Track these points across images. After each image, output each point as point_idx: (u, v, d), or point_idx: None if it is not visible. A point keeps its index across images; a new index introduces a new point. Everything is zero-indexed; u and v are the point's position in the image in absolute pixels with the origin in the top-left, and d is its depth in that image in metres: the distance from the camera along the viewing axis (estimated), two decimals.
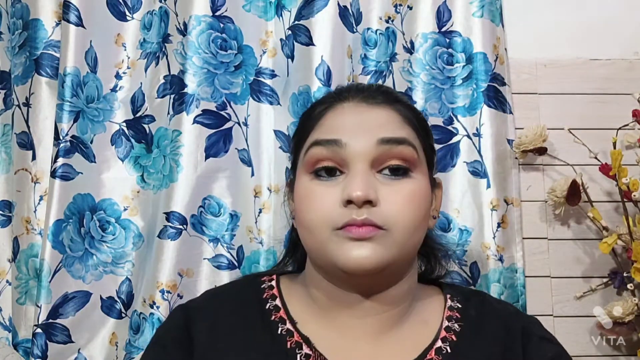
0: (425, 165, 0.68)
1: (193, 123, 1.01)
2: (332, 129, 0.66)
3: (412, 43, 1.10)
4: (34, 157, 1.04)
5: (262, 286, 0.74)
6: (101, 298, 1.02)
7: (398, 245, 0.64)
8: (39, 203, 1.03)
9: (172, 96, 1.03)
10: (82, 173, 1.02)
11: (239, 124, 1.05)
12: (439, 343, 0.67)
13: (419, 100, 1.07)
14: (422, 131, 0.70)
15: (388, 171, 0.65)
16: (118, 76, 1.08)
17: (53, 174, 0.99)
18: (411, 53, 1.09)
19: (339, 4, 1.04)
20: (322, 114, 0.69)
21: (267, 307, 0.70)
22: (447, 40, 1.09)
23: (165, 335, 0.71)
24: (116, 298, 1.03)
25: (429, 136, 0.73)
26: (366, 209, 0.61)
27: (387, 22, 1.09)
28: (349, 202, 0.61)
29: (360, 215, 0.61)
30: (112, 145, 1.06)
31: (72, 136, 1.02)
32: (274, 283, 0.74)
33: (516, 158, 1.08)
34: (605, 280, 1.08)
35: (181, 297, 0.98)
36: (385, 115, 0.67)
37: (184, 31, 1.04)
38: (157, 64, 1.07)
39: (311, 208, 0.64)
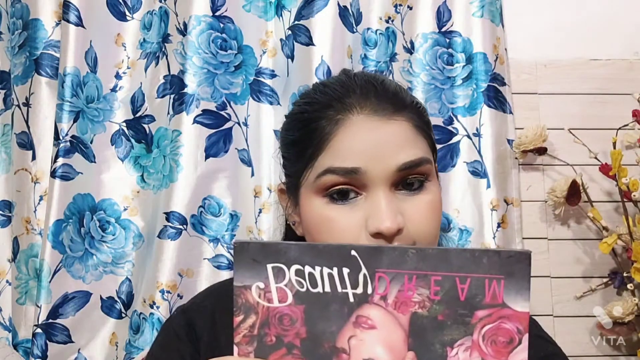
0: (434, 166, 0.67)
1: (193, 123, 1.01)
2: (346, 153, 0.62)
3: (412, 43, 1.10)
4: (34, 157, 1.04)
5: None
6: (101, 298, 1.02)
7: None
8: (39, 203, 1.03)
9: (172, 96, 1.03)
10: (82, 173, 1.02)
11: (239, 124, 1.05)
12: None
13: (419, 100, 1.06)
14: (429, 131, 0.68)
15: (403, 186, 0.62)
16: (118, 76, 1.08)
17: (53, 174, 0.99)
18: (411, 53, 1.09)
19: (339, 4, 1.04)
20: (331, 133, 0.64)
21: None
22: (447, 40, 1.09)
23: (175, 328, 0.71)
24: (116, 298, 1.03)
25: (432, 130, 0.70)
26: (397, 236, 0.59)
27: (387, 22, 1.09)
28: (378, 234, 0.59)
29: (391, 242, 0.59)
30: (112, 145, 1.06)
31: (72, 136, 1.01)
32: None
33: (516, 158, 1.08)
34: (605, 280, 1.08)
35: (181, 297, 0.98)
36: (400, 132, 0.63)
37: (184, 31, 1.04)
38: (157, 64, 1.07)
39: (331, 235, 0.61)
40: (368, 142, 0.62)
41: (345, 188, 0.61)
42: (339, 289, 0.43)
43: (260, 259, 0.44)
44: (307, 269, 0.44)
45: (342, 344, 0.44)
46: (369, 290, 0.43)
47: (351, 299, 0.44)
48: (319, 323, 0.44)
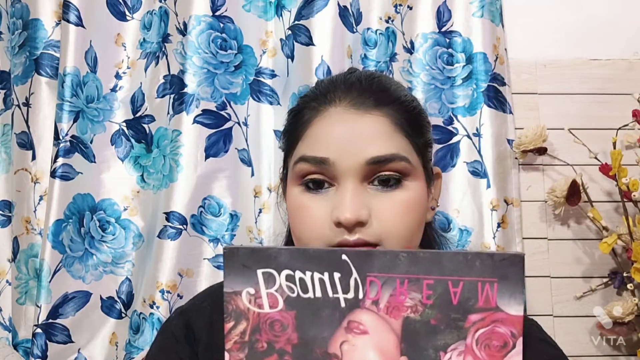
0: (420, 168, 0.66)
1: (193, 123, 1.01)
2: (319, 144, 0.63)
3: (412, 43, 1.10)
4: (33, 157, 1.04)
5: None
6: (101, 298, 1.02)
7: None
8: (39, 203, 1.03)
9: (172, 96, 1.03)
10: (82, 173, 1.02)
11: (239, 124, 1.05)
12: None
13: (419, 100, 1.06)
14: (416, 131, 0.67)
15: (378, 182, 0.62)
16: (118, 76, 1.08)
17: (53, 174, 0.99)
18: (411, 53, 1.09)
19: (339, 4, 1.04)
20: (309, 122, 0.66)
21: None
22: (447, 40, 1.09)
23: (174, 330, 0.70)
24: (116, 298, 1.03)
25: (425, 131, 0.69)
26: (358, 230, 0.59)
27: (387, 22, 1.09)
28: (339, 224, 0.59)
29: (352, 236, 0.59)
30: (112, 145, 1.06)
31: (72, 136, 1.01)
32: None
33: (516, 158, 1.08)
34: (605, 280, 1.08)
35: (181, 297, 0.98)
36: (375, 127, 0.64)
37: (184, 31, 1.03)
38: (157, 63, 1.07)
39: (304, 223, 0.63)
40: (340, 134, 0.63)
41: (318, 178, 0.62)
42: (330, 294, 0.43)
43: (250, 265, 0.43)
44: (298, 274, 0.43)
45: (334, 349, 0.43)
46: (361, 295, 0.43)
47: (342, 304, 0.43)
48: (311, 329, 0.44)
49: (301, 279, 0.43)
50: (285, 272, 0.43)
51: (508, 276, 0.41)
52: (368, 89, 0.67)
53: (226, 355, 0.44)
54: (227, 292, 0.44)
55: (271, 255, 0.43)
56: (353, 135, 0.63)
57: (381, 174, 0.61)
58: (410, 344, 0.43)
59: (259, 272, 0.43)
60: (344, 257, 0.43)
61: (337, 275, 0.43)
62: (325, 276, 0.43)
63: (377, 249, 0.42)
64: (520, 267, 0.41)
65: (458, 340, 0.42)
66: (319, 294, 0.43)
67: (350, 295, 0.43)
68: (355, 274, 0.43)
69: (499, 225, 1.04)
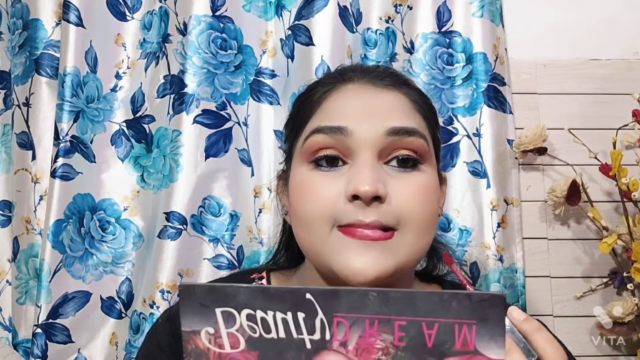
0: (434, 157, 0.63)
1: (193, 123, 1.01)
2: (336, 114, 0.59)
3: (412, 43, 1.10)
4: (34, 157, 1.04)
5: (252, 284, 0.72)
6: (101, 298, 1.02)
7: (409, 248, 0.57)
8: (39, 203, 1.03)
9: (172, 96, 1.03)
10: (82, 173, 1.02)
11: (239, 124, 1.05)
12: None
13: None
14: (432, 120, 0.64)
15: (396, 162, 0.58)
16: (118, 76, 1.08)
17: (53, 174, 0.99)
18: (411, 53, 1.09)
19: (339, 4, 1.04)
20: (323, 98, 0.62)
21: None
22: (447, 41, 1.09)
23: (159, 338, 0.68)
24: (116, 298, 1.03)
25: (438, 126, 0.67)
26: (375, 207, 0.55)
27: (387, 22, 1.09)
28: (355, 197, 0.55)
29: (367, 216, 0.55)
30: (112, 145, 1.06)
31: (72, 136, 1.02)
32: (264, 281, 0.71)
33: (516, 158, 1.08)
34: (605, 280, 1.08)
35: None
36: (394, 101, 0.60)
37: (184, 31, 1.04)
38: (157, 64, 1.07)
39: (310, 200, 0.58)
40: (358, 104, 0.60)
41: (332, 153, 0.58)
42: (295, 334, 0.40)
43: (208, 304, 0.40)
44: (259, 313, 0.40)
45: None
46: (327, 336, 0.40)
47: (308, 345, 0.40)
48: None
49: (263, 319, 0.40)
50: (246, 311, 0.40)
51: (488, 318, 0.38)
52: (384, 72, 0.65)
53: None
54: (185, 331, 0.41)
55: (229, 294, 0.40)
56: (372, 106, 0.60)
57: (400, 152, 0.58)
58: None
59: (218, 311, 0.41)
60: (308, 296, 0.40)
61: (301, 315, 0.40)
62: (289, 316, 0.40)
63: (343, 288, 0.41)
64: (502, 308, 0.38)
65: None
66: (282, 334, 0.40)
67: (316, 336, 0.40)
68: (320, 314, 0.40)
69: (499, 225, 1.04)
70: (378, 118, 0.58)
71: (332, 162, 0.59)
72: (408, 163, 0.59)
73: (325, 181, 0.58)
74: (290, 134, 0.66)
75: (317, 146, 0.59)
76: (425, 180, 0.59)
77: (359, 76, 0.63)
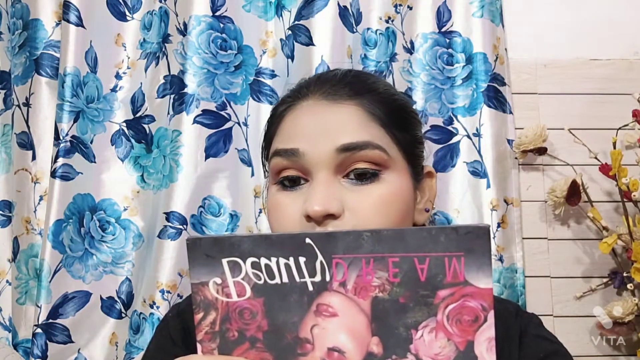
0: (402, 161, 0.63)
1: (193, 123, 1.01)
2: (289, 136, 0.62)
3: (412, 43, 1.10)
4: (34, 157, 1.04)
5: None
6: (101, 298, 1.02)
7: None
8: (39, 203, 1.03)
9: (172, 96, 1.03)
10: (82, 173, 1.02)
11: (239, 124, 1.05)
12: None
13: (419, 100, 1.07)
14: (397, 124, 0.64)
15: (354, 176, 0.59)
16: (118, 76, 1.08)
17: (53, 174, 0.99)
18: (411, 53, 1.09)
19: (339, 4, 1.04)
20: (281, 118, 0.65)
21: None
22: (447, 41, 1.09)
23: (171, 332, 0.69)
24: (116, 298, 1.03)
25: (410, 126, 0.66)
26: (329, 222, 0.57)
27: (387, 22, 1.09)
28: (308, 217, 0.57)
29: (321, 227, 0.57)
30: (112, 145, 1.06)
31: (72, 136, 1.02)
32: None
33: (516, 158, 1.08)
34: (605, 280, 1.08)
35: (181, 297, 0.98)
36: (346, 115, 0.61)
37: (184, 31, 1.04)
38: (157, 64, 1.07)
39: (277, 221, 0.61)
40: (310, 124, 0.61)
41: (292, 174, 0.60)
42: (297, 278, 0.43)
43: (214, 254, 0.43)
44: (263, 260, 0.43)
45: (305, 333, 0.43)
46: (327, 278, 0.42)
47: (310, 288, 0.43)
48: (280, 314, 0.43)
49: (267, 265, 0.43)
50: (251, 259, 0.43)
51: (474, 249, 0.41)
52: (342, 81, 0.65)
53: (198, 346, 0.44)
54: (193, 284, 0.43)
55: (234, 244, 0.43)
56: (323, 124, 0.61)
57: (356, 166, 0.59)
58: (381, 324, 0.42)
59: (224, 261, 0.43)
60: (307, 240, 0.42)
61: (302, 259, 0.42)
62: (291, 261, 0.42)
63: (339, 230, 0.42)
64: (486, 239, 0.41)
65: (429, 317, 0.42)
66: (285, 279, 0.43)
67: (317, 278, 0.43)
68: (320, 257, 0.42)
69: (499, 225, 1.04)
70: (328, 136, 0.60)
71: (295, 181, 0.61)
72: (365, 175, 0.60)
73: (288, 202, 0.60)
74: (263, 153, 0.70)
75: (278, 168, 0.62)
76: (385, 190, 0.60)
77: (314, 90, 0.65)
